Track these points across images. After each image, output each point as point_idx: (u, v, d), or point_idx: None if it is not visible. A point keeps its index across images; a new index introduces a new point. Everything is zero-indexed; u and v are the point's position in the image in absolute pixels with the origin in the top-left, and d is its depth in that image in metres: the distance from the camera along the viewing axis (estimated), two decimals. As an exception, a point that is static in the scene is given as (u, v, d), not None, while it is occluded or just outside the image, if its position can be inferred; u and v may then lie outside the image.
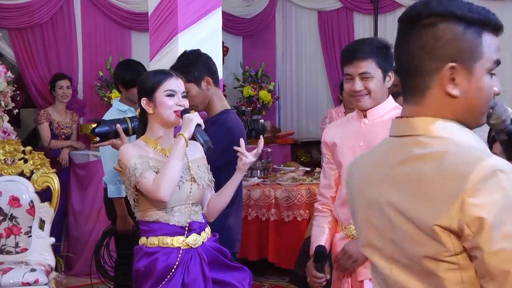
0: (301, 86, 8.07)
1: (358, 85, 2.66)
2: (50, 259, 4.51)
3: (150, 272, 2.76)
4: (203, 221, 2.88)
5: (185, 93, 2.88)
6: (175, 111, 2.80)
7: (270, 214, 5.66)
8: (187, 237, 2.79)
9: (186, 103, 2.85)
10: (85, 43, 6.74)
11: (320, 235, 2.85)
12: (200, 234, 2.83)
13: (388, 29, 7.18)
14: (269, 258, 5.74)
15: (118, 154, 2.84)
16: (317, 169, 6.41)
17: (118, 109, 4.39)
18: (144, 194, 2.74)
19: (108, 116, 4.22)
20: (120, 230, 4.29)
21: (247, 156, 2.91)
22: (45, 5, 6.39)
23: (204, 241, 2.84)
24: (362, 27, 7.45)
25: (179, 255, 2.75)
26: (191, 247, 2.79)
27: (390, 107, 2.73)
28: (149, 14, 4.21)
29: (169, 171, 2.68)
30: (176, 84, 2.84)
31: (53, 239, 4.58)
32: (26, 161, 4.69)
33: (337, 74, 7.44)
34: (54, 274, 4.54)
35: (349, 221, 2.73)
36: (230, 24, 7.53)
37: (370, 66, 2.66)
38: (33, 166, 4.67)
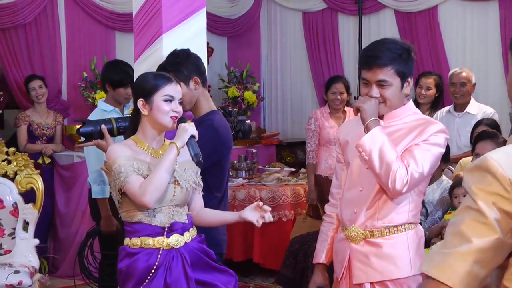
0: (286, 86, 8.08)
1: (375, 92, 2.59)
2: (34, 261, 4.48)
3: (132, 272, 2.77)
4: (187, 221, 2.88)
5: (181, 100, 2.88)
6: (171, 117, 2.79)
7: (255, 215, 5.66)
8: (168, 237, 2.78)
9: (181, 110, 2.84)
10: (69, 44, 6.69)
11: (323, 245, 2.86)
12: (182, 235, 2.82)
13: (373, 29, 7.20)
14: (254, 259, 5.75)
15: (105, 154, 2.83)
16: (302, 170, 6.42)
17: (103, 109, 4.39)
18: (129, 197, 2.74)
19: (93, 116, 4.21)
20: (104, 231, 4.28)
21: (265, 217, 2.84)
22: (29, 5, 6.33)
23: (188, 242, 2.84)
24: (346, 27, 7.47)
25: (159, 256, 2.75)
26: (173, 247, 2.79)
27: (408, 112, 2.67)
28: (133, 15, 4.19)
29: (157, 181, 2.68)
30: (175, 90, 2.83)
31: (37, 241, 4.54)
32: (9, 162, 4.65)
33: (322, 75, 7.46)
34: (38, 275, 4.51)
35: (350, 223, 2.68)
36: (215, 24, 7.52)
37: (388, 74, 2.58)
38: (16, 167, 4.63)
